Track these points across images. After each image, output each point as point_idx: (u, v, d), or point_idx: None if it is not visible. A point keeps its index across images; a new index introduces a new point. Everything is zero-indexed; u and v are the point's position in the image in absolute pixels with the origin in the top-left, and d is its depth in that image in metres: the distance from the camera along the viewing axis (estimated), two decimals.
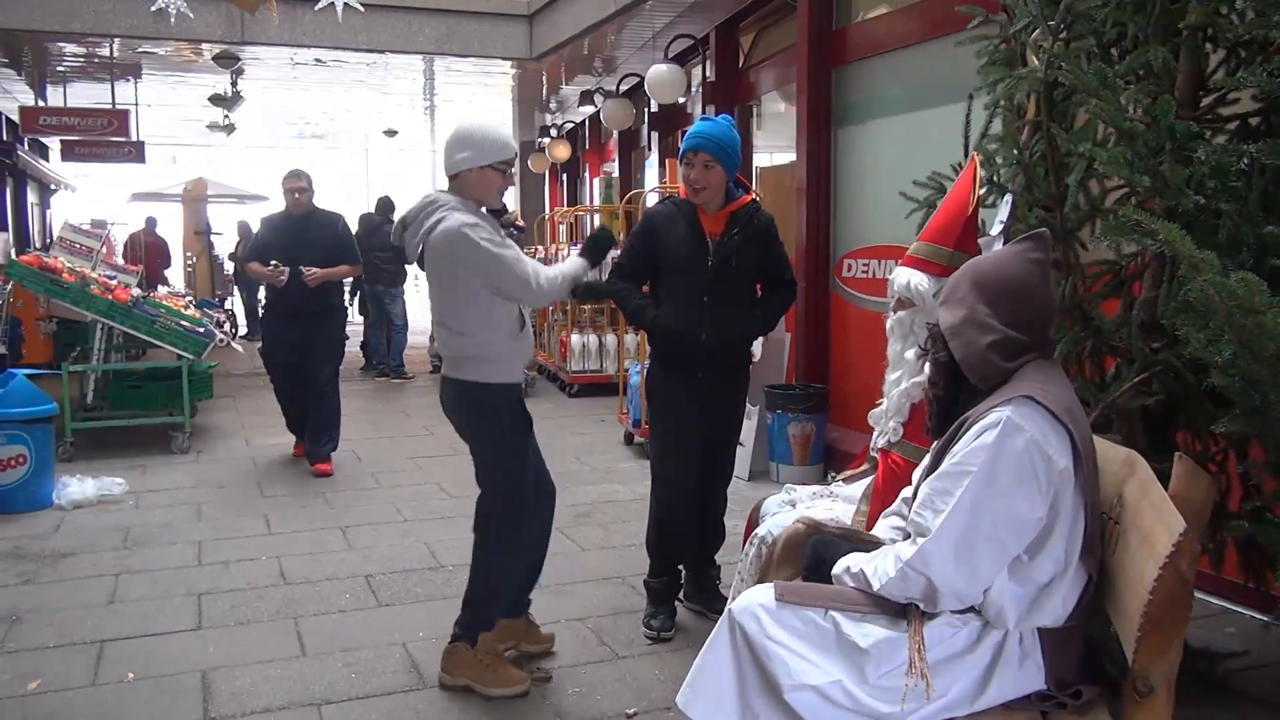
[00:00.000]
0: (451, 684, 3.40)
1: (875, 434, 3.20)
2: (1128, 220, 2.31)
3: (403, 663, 3.64)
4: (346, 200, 26.46)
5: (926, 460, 2.35)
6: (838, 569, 2.36)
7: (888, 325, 3.21)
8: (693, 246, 3.81)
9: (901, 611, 2.24)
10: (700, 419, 3.91)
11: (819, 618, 2.26)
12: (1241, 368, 2.06)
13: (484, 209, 3.35)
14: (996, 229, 3.26)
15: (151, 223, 15.90)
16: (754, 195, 3.96)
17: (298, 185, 6.50)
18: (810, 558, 2.52)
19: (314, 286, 6.32)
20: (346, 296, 11.10)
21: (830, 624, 2.25)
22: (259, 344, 7.01)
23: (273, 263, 6.31)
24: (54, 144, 16.43)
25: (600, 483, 6.30)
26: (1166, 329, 2.94)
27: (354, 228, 11.63)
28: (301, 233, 6.43)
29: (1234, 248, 2.52)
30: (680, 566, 4.05)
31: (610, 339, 9.80)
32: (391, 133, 18.00)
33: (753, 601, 2.34)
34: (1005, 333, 2.25)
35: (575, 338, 9.79)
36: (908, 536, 2.31)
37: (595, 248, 3.54)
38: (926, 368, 2.50)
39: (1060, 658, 2.19)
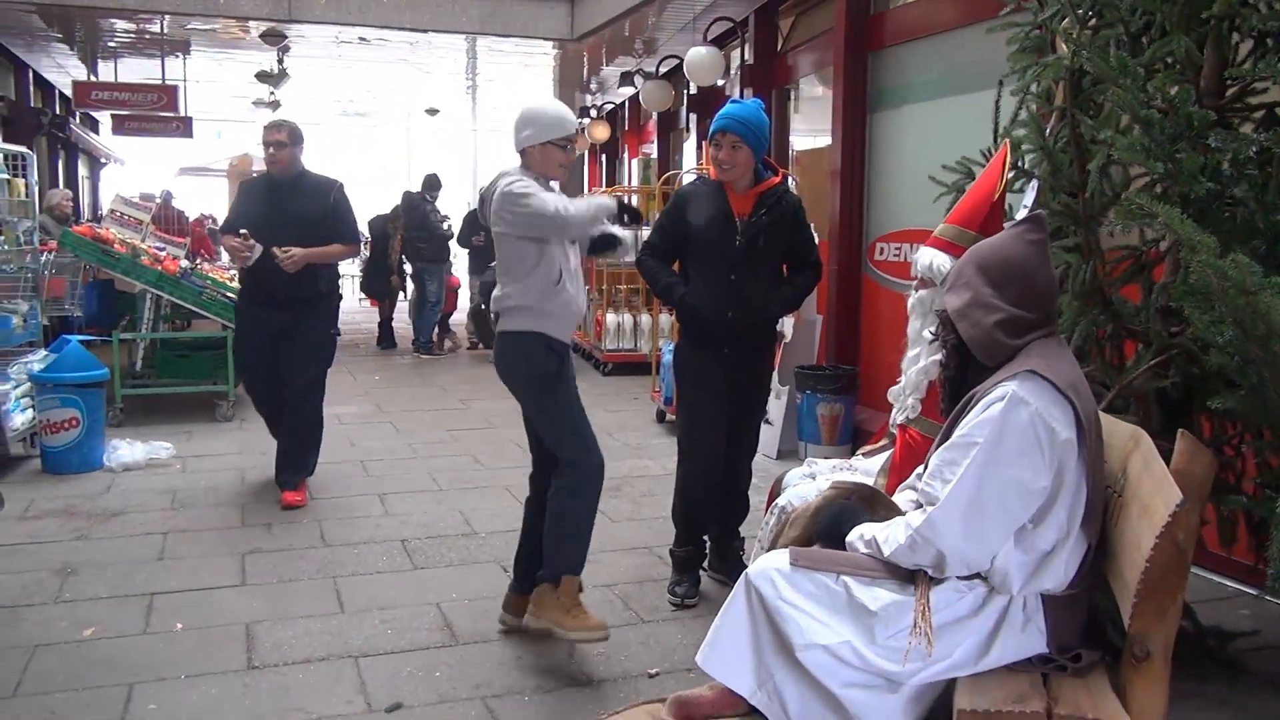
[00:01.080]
0: (536, 626, 3.53)
1: (894, 410, 3.30)
2: (1133, 204, 2.39)
3: (436, 621, 3.79)
4: (388, 180, 26.79)
5: (936, 441, 2.45)
6: (852, 536, 2.47)
7: (909, 304, 3.30)
8: (721, 225, 3.92)
9: (910, 577, 2.35)
10: (726, 394, 4.02)
11: (831, 581, 2.38)
12: (1239, 348, 2.13)
13: (549, 181, 3.51)
14: (1021, 214, 3.33)
15: (168, 196, 16.19)
16: (784, 176, 4.06)
17: (274, 138, 5.13)
18: (827, 523, 2.63)
19: (289, 270, 5.03)
20: (390, 277, 11.28)
21: (841, 588, 2.36)
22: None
23: (241, 232, 5.03)
24: (104, 118, 16.76)
25: (632, 458, 6.44)
26: (1183, 313, 3.01)
27: (394, 204, 11.95)
28: (283, 202, 5.12)
29: (1248, 234, 2.58)
30: (705, 537, 4.18)
31: (645, 319, 9.91)
32: (433, 111, 18.18)
33: (768, 566, 2.46)
34: (1010, 311, 2.34)
35: (610, 317, 9.91)
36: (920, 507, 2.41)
37: (626, 217, 3.65)
38: (939, 350, 2.61)
39: (1062, 623, 2.29)
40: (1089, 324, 3.24)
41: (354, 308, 14.58)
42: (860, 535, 2.46)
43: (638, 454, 6.57)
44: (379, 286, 11.91)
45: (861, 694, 2.30)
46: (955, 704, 2.15)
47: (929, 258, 3.14)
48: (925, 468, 2.44)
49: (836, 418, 6.31)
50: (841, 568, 2.40)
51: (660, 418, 7.57)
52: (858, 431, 6.42)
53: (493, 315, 3.84)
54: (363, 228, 8.96)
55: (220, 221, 6.97)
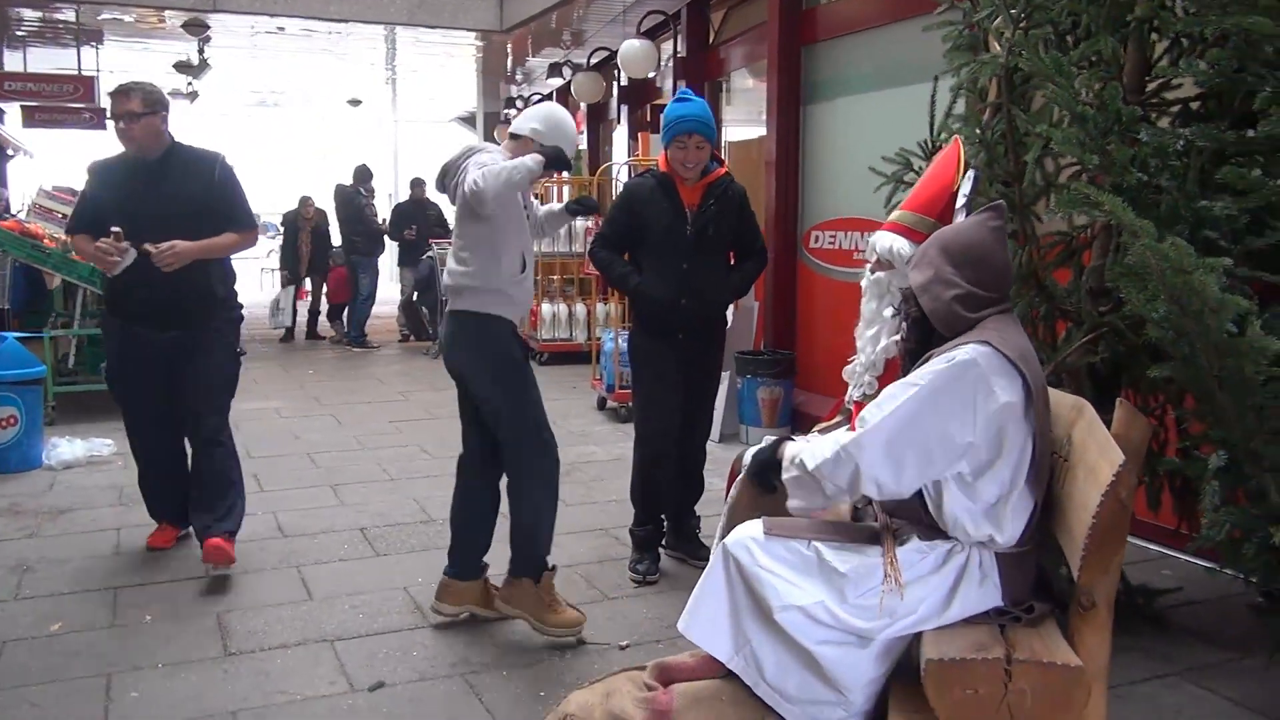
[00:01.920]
0: (509, 613, 3.60)
1: (850, 388, 3.48)
2: (1079, 194, 2.61)
3: (406, 604, 3.89)
4: (308, 172, 26.34)
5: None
6: (785, 459, 2.64)
7: (863, 284, 3.47)
8: (672, 217, 4.08)
9: (875, 539, 2.53)
10: (680, 378, 4.19)
11: (803, 547, 2.55)
12: (1173, 322, 2.36)
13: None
14: (960, 202, 3.55)
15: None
16: (727, 168, 4.23)
17: (125, 108, 3.96)
18: (753, 469, 2.81)
19: (169, 269, 3.93)
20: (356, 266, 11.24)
21: (813, 552, 2.54)
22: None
23: (112, 230, 3.93)
24: (12, 109, 16.21)
25: (577, 444, 6.57)
26: (1112, 294, 3.26)
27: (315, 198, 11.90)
28: (151, 185, 4.02)
29: (1173, 220, 2.83)
30: (662, 516, 4.34)
31: (580, 308, 10.03)
32: (355, 102, 17.99)
33: (744, 535, 2.63)
34: (968, 289, 2.55)
35: (545, 307, 10.01)
36: None
37: (579, 207, 3.75)
38: (900, 325, 2.79)
39: (1015, 579, 2.50)
40: (1025, 305, 3.47)
41: (260, 301, 14.42)
42: (792, 458, 2.62)
43: (584, 440, 6.70)
44: (293, 281, 11.88)
45: (834, 650, 2.48)
46: (923, 654, 2.34)
47: (889, 241, 3.31)
48: None
49: (776, 400, 6.52)
50: (812, 534, 2.57)
51: (601, 405, 7.71)
52: (796, 413, 6.65)
53: (443, 295, 3.86)
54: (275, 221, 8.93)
55: None
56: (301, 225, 11.79)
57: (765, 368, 6.53)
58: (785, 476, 2.63)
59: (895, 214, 3.40)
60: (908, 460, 2.42)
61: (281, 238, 12.35)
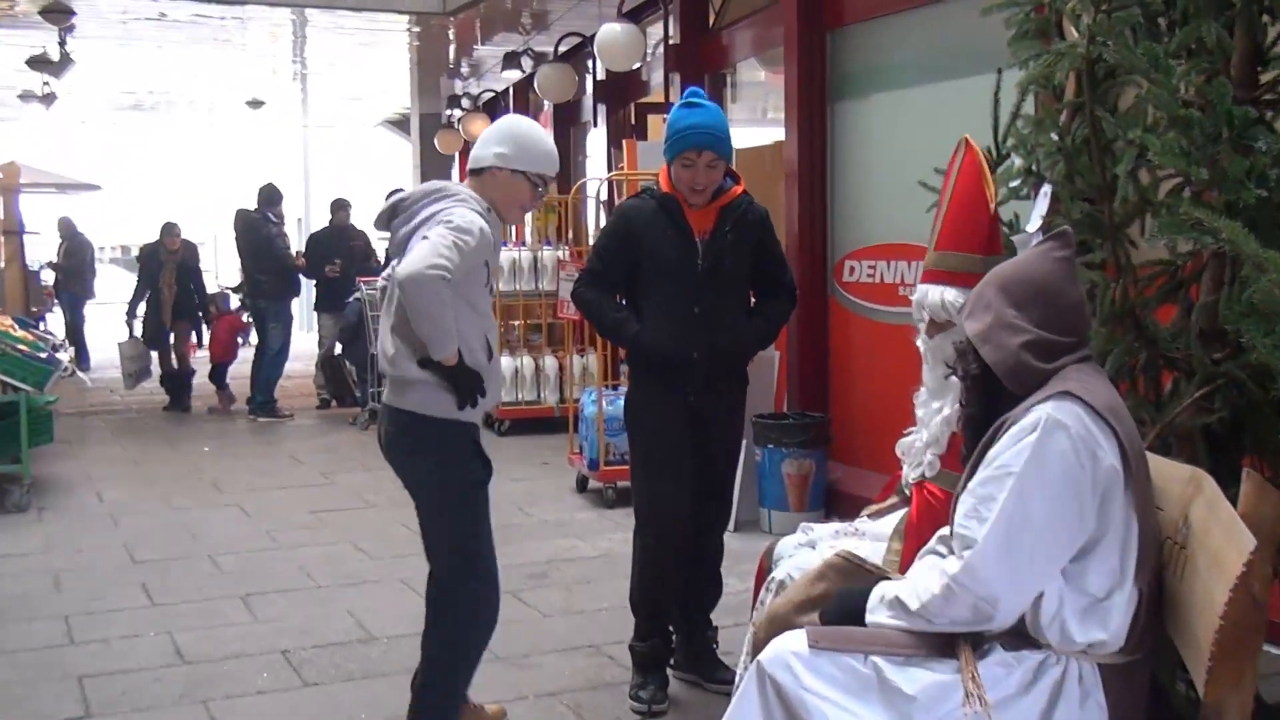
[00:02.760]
0: None
1: (906, 467, 3.57)
2: (1185, 216, 2.71)
3: None
4: (195, 189, 26.52)
5: (963, 476, 2.72)
6: (871, 599, 2.71)
7: (921, 350, 3.57)
8: (679, 248, 4.17)
9: (950, 651, 2.60)
10: (693, 450, 4.26)
11: (858, 663, 2.61)
12: None
13: (488, 208, 3.64)
14: (1034, 223, 3.65)
15: None
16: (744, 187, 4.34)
17: None
18: (834, 611, 2.87)
19: None
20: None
21: (871, 670, 2.59)
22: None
23: None
24: None
25: (554, 537, 6.63)
26: (1229, 337, 3.35)
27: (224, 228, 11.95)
28: None
29: None
30: (670, 628, 4.38)
31: (549, 362, 10.14)
32: (256, 104, 18.18)
33: (784, 650, 2.68)
34: (1037, 333, 2.65)
35: (505, 361, 10.08)
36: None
37: (457, 384, 3.57)
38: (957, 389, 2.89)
39: (1124, 697, 2.56)
40: (1121, 353, 3.56)
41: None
42: (881, 596, 2.70)
43: (561, 532, 6.76)
44: (151, 331, 11.94)
45: None
46: None
47: (936, 295, 3.43)
48: (952, 523, 2.70)
49: (806, 477, 6.60)
50: (870, 646, 2.63)
51: (582, 486, 7.77)
52: (832, 493, 6.72)
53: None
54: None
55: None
56: (164, 261, 11.81)
57: (791, 435, 6.61)
58: (876, 619, 2.68)
59: (931, 259, 3.51)
60: (1031, 567, 2.49)
61: (137, 278, 12.33)
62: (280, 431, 10.70)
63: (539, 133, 3.81)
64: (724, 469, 4.41)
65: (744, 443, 6.65)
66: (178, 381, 12.10)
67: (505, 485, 7.83)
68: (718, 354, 4.20)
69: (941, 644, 2.62)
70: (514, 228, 12.09)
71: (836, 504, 6.60)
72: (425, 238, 3.44)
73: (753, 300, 4.43)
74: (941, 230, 3.58)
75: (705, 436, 4.27)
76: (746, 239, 4.24)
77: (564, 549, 6.39)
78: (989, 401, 2.79)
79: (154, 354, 12.23)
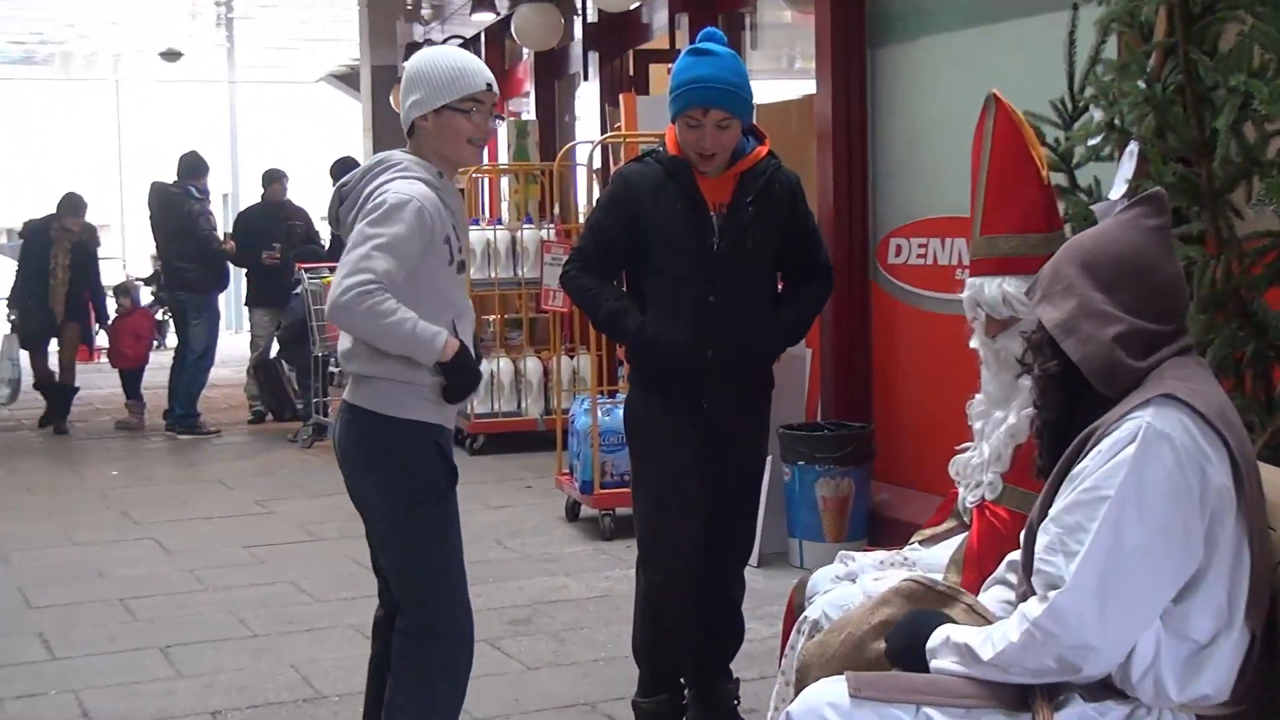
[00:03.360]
0: None
1: (963, 490, 3.58)
2: None
3: None
4: (96, 157, 26.57)
5: (1041, 496, 2.73)
6: (934, 640, 2.73)
7: (981, 353, 3.58)
8: (691, 224, 4.17)
9: (1021, 702, 2.61)
10: (707, 470, 4.27)
11: (909, 716, 2.63)
12: None
13: (438, 173, 3.70)
14: (1119, 189, 3.67)
15: None
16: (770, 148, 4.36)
17: None
18: (903, 636, 2.88)
19: None
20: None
21: None
22: None
23: None
24: None
25: (539, 575, 6.66)
26: None
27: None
28: None
29: None
30: (681, 680, 4.41)
31: (531, 364, 10.16)
32: (172, 55, 18.24)
33: (818, 700, 2.70)
34: (1131, 322, 2.64)
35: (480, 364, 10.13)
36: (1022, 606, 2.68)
37: (458, 379, 3.66)
38: (1027, 389, 2.89)
39: None
40: (1223, 343, 3.58)
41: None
42: (946, 639, 2.71)
43: (548, 569, 6.79)
44: (36, 327, 11.93)
45: None
46: None
47: (995, 288, 3.43)
48: (1027, 548, 2.71)
49: (844, 500, 6.61)
50: (923, 695, 2.64)
51: (573, 514, 7.80)
52: (875, 519, 6.74)
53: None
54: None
55: None
56: (55, 241, 11.70)
57: (826, 450, 6.62)
58: (940, 665, 2.70)
59: (978, 246, 3.52)
60: (1129, 614, 2.49)
61: (18, 262, 12.23)
62: (205, 451, 10.71)
63: (438, 55, 3.80)
64: (744, 492, 4.44)
65: (768, 459, 6.72)
66: (56, 394, 11.99)
67: (480, 514, 7.85)
68: (737, 353, 4.21)
69: (1012, 694, 2.63)
70: (487, 204, 12.15)
71: (881, 532, 6.61)
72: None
73: (780, 285, 4.45)
74: (986, 211, 3.57)
75: (722, 453, 4.29)
76: (772, 212, 4.24)
77: (552, 589, 6.40)
78: (1069, 403, 2.78)
79: (26, 355, 12.13)
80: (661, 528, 4.30)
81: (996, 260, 3.49)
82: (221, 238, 11.64)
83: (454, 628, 3.73)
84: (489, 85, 3.73)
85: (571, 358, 9.65)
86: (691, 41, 4.37)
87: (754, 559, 6.59)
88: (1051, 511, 2.62)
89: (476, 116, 3.73)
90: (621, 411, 4.74)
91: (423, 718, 3.74)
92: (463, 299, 3.79)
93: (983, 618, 2.82)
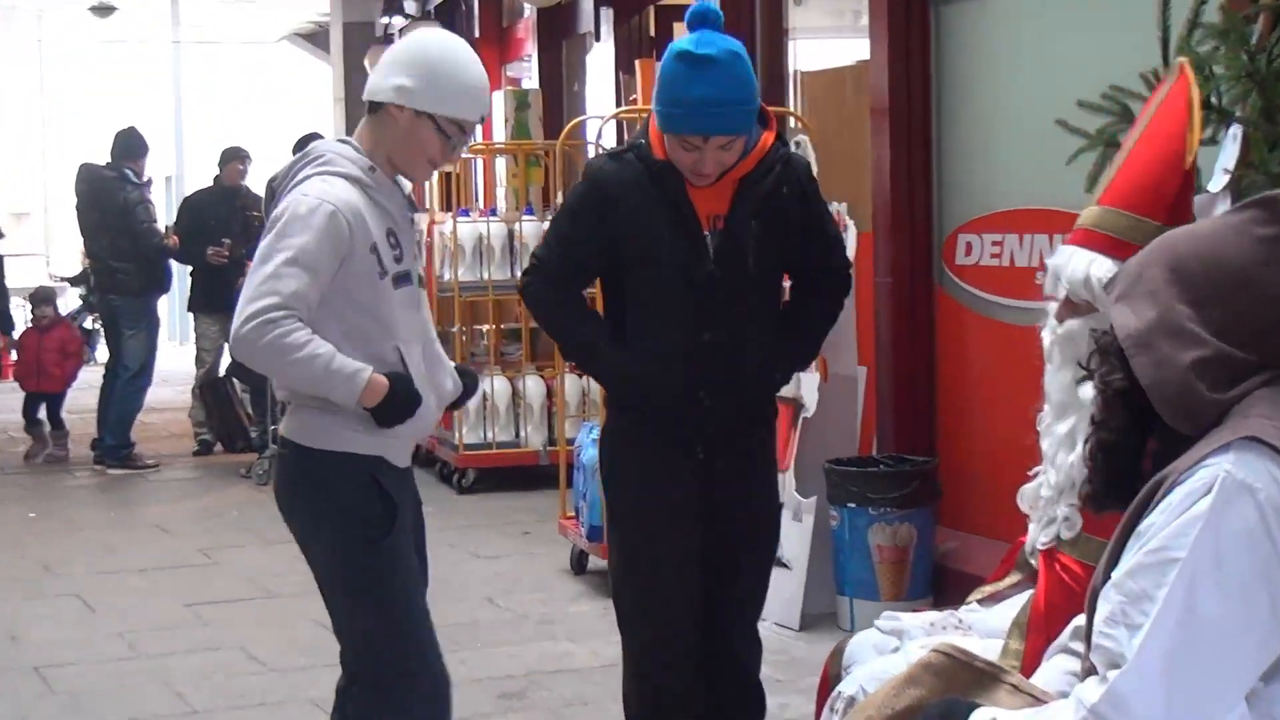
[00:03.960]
0: None
1: (1032, 525, 3.63)
2: None
3: None
4: (22, 139, 26.76)
5: (1106, 552, 2.76)
6: None
7: (1045, 339, 3.62)
8: (679, 242, 4.15)
9: None
10: (702, 523, 4.29)
11: None
12: None
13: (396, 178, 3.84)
14: (1219, 181, 3.72)
15: None
16: (777, 129, 4.33)
17: None
18: None
19: None
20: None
21: None
22: None
23: None
24: None
25: (537, 639, 6.70)
26: None
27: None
28: None
29: None
30: None
31: (532, 384, 10.22)
32: (105, 10, 18.38)
33: None
34: (1217, 346, 2.65)
35: None
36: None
37: (389, 409, 3.76)
38: (1089, 397, 2.91)
39: None
40: None
41: None
42: None
43: (547, 632, 6.84)
44: None
45: None
46: None
47: (1083, 264, 3.46)
48: (1089, 614, 2.75)
49: (905, 551, 6.62)
50: None
51: (579, 565, 7.84)
52: (942, 573, 6.76)
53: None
54: None
55: None
56: None
57: (882, 489, 6.62)
58: None
59: (1089, 215, 3.56)
60: (1203, 700, 2.48)
61: None
62: (140, 489, 10.77)
63: (460, 58, 3.86)
64: (751, 546, 4.42)
65: (812, 500, 6.76)
66: None
67: (468, 565, 7.91)
68: (734, 391, 4.21)
69: None
70: (480, 191, 12.22)
71: (949, 590, 6.59)
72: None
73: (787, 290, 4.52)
74: (1115, 179, 3.59)
75: (719, 502, 4.30)
76: (780, 220, 4.23)
77: (551, 656, 6.45)
78: (1135, 425, 2.78)
79: None
80: (646, 596, 4.32)
81: (1099, 235, 3.49)
82: (163, 230, 11.69)
83: (412, 690, 3.81)
84: (482, 117, 3.90)
85: (580, 376, 9.68)
86: (687, 28, 4.24)
87: (795, 620, 6.69)
88: (1114, 574, 2.61)
89: (452, 143, 3.85)
90: (597, 440, 4.79)
91: None
92: (411, 321, 3.87)
93: (1033, 699, 2.86)
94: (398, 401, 3.70)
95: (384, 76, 3.80)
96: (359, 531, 3.78)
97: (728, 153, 4.06)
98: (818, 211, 4.38)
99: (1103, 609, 2.62)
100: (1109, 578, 2.63)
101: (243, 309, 3.57)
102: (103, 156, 11.55)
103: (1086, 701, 2.53)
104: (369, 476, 3.78)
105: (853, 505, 6.67)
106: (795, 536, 6.77)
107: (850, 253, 6.59)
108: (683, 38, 4.20)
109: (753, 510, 4.39)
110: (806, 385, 6.77)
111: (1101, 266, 3.41)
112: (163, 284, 11.86)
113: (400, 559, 3.84)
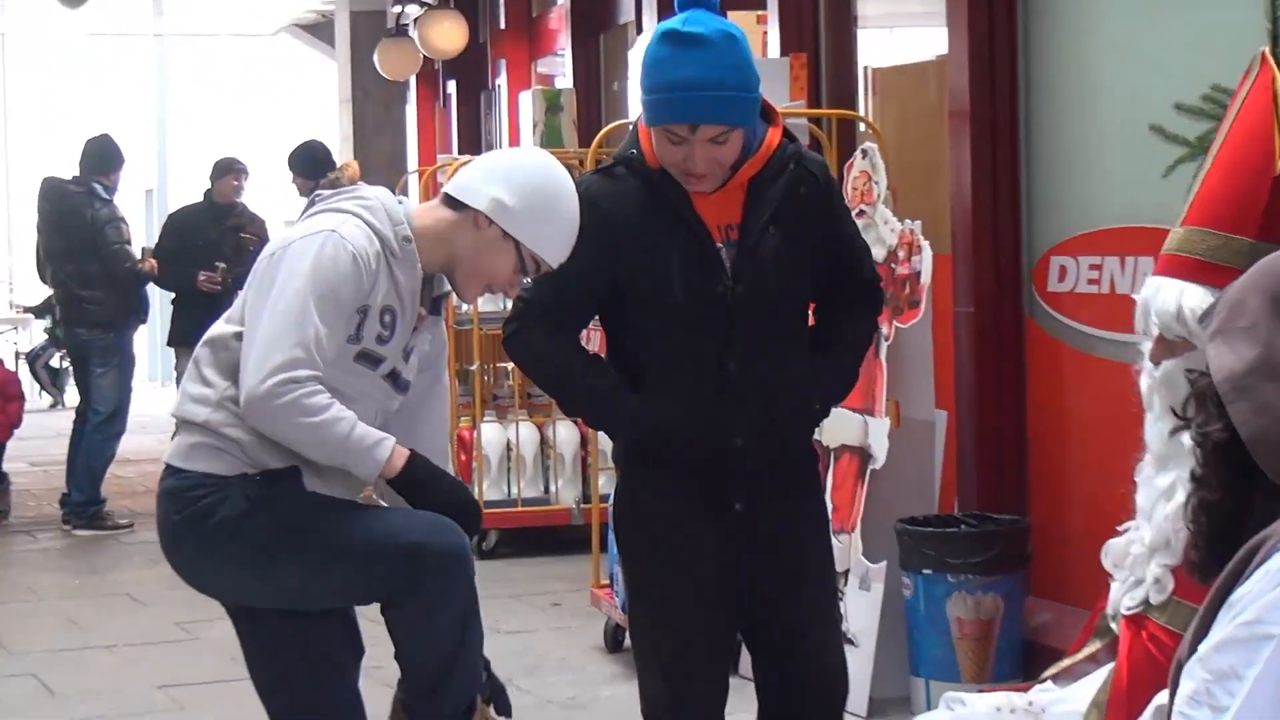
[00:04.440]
0: None
1: (1115, 586, 3.67)
2: None
3: None
4: None
5: (1195, 620, 2.81)
6: None
7: (1143, 387, 3.67)
8: (689, 262, 4.17)
9: None
10: (739, 593, 4.32)
11: None
12: None
13: (406, 239, 3.98)
14: None
15: None
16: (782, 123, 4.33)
17: None
18: None
19: None
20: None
21: None
22: None
23: None
24: None
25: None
26: None
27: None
28: None
29: None
30: None
31: (564, 432, 10.28)
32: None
33: None
34: None
35: (489, 430, 10.27)
36: None
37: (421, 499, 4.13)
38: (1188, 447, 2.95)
39: None
40: None
41: None
42: None
43: (578, 713, 6.92)
44: None
45: None
46: None
47: (1172, 295, 3.52)
48: (1172, 691, 2.79)
49: (988, 625, 6.62)
50: None
51: (615, 641, 7.85)
52: (1033, 651, 6.75)
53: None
54: None
55: None
56: None
57: (964, 553, 6.61)
58: None
59: (1173, 238, 3.62)
60: None
61: None
62: (110, 553, 10.82)
63: (569, 198, 4.03)
64: (807, 624, 4.38)
65: (881, 565, 6.77)
66: None
67: (490, 641, 7.82)
68: (775, 436, 4.25)
69: None
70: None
71: (1042, 670, 6.60)
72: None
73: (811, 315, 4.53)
74: (1199, 194, 3.65)
75: (762, 569, 4.31)
76: (801, 226, 4.26)
77: None
78: (1242, 483, 2.81)
79: None
80: (673, 684, 4.31)
81: (1186, 261, 3.53)
82: (139, 254, 11.76)
83: (435, 540, 4.12)
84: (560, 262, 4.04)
85: None
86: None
87: (864, 707, 6.68)
88: (1201, 648, 2.62)
89: (520, 278, 4.06)
90: (614, 507, 4.73)
91: (440, 648, 4.25)
92: (360, 388, 4.01)
93: None
94: (429, 480, 3.98)
95: (483, 182, 4.01)
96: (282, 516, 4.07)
97: (722, 148, 4.06)
98: (841, 214, 4.44)
99: (1185, 686, 2.60)
100: (1195, 651, 2.60)
101: (266, 357, 3.72)
102: (70, 169, 11.63)
103: None
104: (291, 502, 4.09)
105: (929, 572, 6.65)
106: (863, 608, 6.80)
107: (925, 278, 6.68)
108: (670, 18, 4.19)
109: (804, 580, 4.36)
110: (875, 432, 6.80)
111: (1194, 296, 3.43)
112: (138, 314, 11.91)
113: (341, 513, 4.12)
